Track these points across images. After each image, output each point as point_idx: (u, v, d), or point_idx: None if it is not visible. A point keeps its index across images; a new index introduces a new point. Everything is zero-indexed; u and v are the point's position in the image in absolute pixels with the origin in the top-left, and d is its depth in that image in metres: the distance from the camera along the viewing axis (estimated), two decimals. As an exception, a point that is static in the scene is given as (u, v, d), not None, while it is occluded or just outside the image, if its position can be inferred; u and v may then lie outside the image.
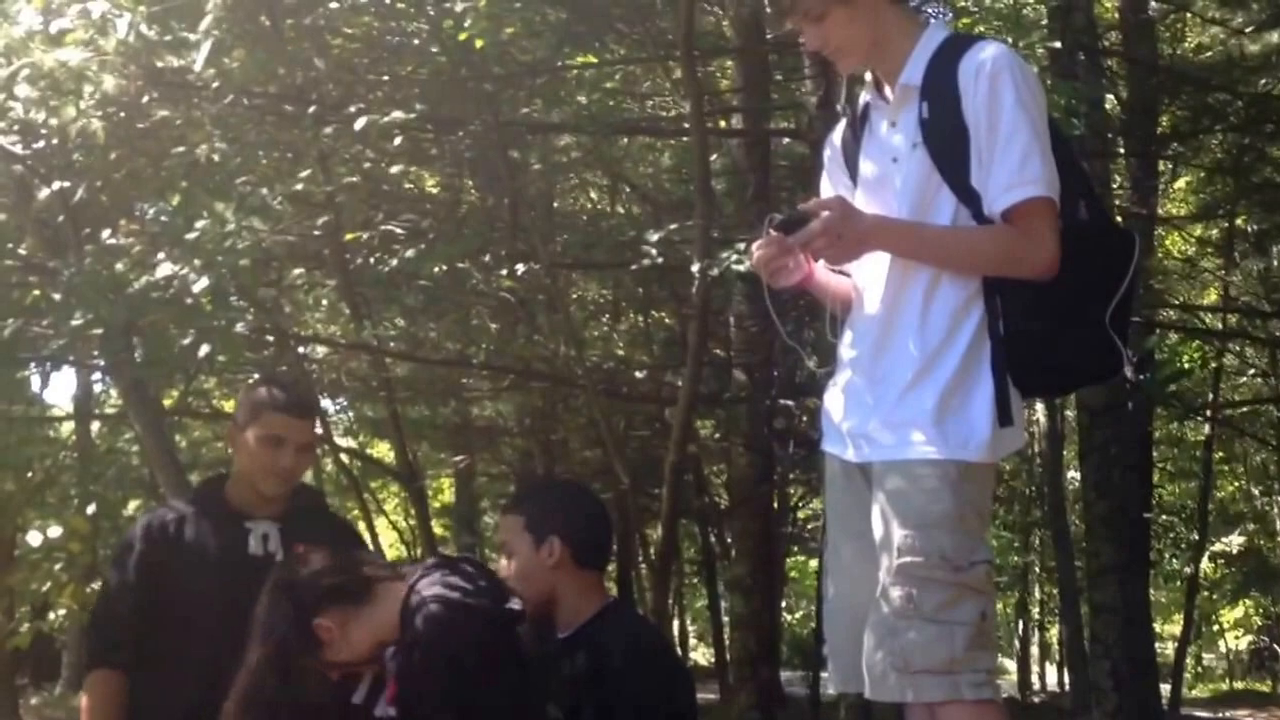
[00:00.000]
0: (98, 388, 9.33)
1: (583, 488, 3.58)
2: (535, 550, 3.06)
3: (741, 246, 5.85)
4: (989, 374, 2.75)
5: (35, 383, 5.92)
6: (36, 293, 4.92)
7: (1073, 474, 19.15)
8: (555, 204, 10.70)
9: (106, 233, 4.81)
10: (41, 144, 4.93)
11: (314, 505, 3.62)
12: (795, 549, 18.35)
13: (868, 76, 2.99)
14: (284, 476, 3.35)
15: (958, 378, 2.74)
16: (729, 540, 11.93)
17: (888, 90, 2.91)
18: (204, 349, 4.57)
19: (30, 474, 6.27)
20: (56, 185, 4.87)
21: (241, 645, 3.14)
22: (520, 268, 6.93)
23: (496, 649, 2.74)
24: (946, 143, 2.78)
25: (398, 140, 6.41)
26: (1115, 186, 11.49)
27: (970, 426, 2.73)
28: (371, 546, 15.03)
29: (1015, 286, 2.75)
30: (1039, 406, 16.08)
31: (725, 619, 12.80)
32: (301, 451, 3.38)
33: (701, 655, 22.56)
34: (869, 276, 2.91)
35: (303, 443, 3.37)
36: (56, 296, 4.41)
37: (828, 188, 3.08)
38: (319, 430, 3.53)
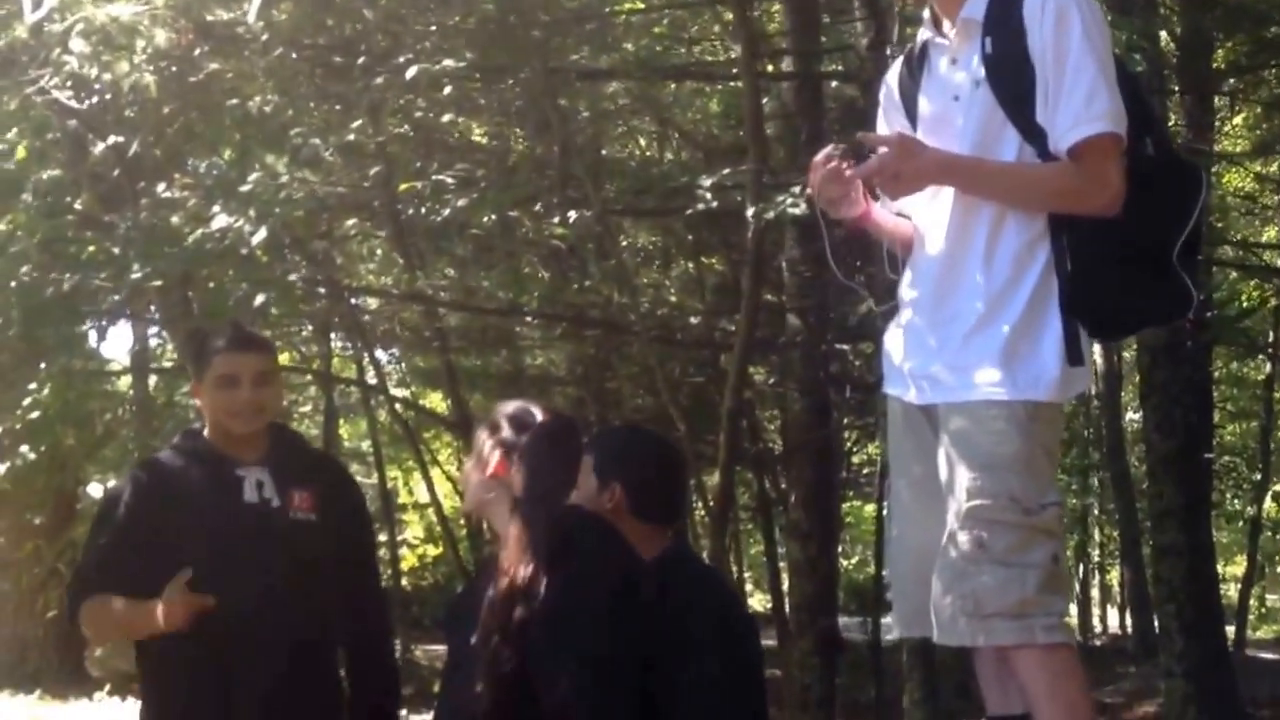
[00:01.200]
0: (154, 342, 9.39)
1: (662, 441, 3.49)
2: (598, 493, 3.04)
3: (795, 190, 5.79)
4: (1057, 313, 2.70)
5: (93, 338, 5.96)
6: (93, 248, 4.93)
7: (1131, 415, 18.98)
8: (604, 151, 10.64)
9: (161, 186, 4.82)
10: (95, 99, 4.93)
11: (299, 447, 3.56)
12: (851, 495, 18.30)
13: (925, 14, 2.93)
14: (248, 412, 3.27)
15: (1026, 317, 2.70)
16: (784, 486, 11.90)
17: (947, 26, 2.84)
18: (259, 299, 4.57)
19: (90, 428, 6.32)
20: (111, 140, 4.88)
21: (249, 592, 3.15)
22: (571, 215, 6.90)
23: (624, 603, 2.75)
24: (1011, 78, 2.72)
25: (447, 89, 6.38)
26: (1171, 124, 11.29)
27: (1040, 366, 2.68)
28: (428, 497, 15.15)
29: (1082, 225, 2.70)
30: (1096, 347, 15.92)
31: (782, 565, 12.80)
32: (259, 384, 3.28)
33: (758, 602, 22.59)
34: (931, 216, 2.87)
35: (257, 374, 3.28)
36: (115, 250, 4.42)
37: (885, 130, 3.02)
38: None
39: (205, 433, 3.38)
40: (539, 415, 2.89)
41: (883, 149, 2.72)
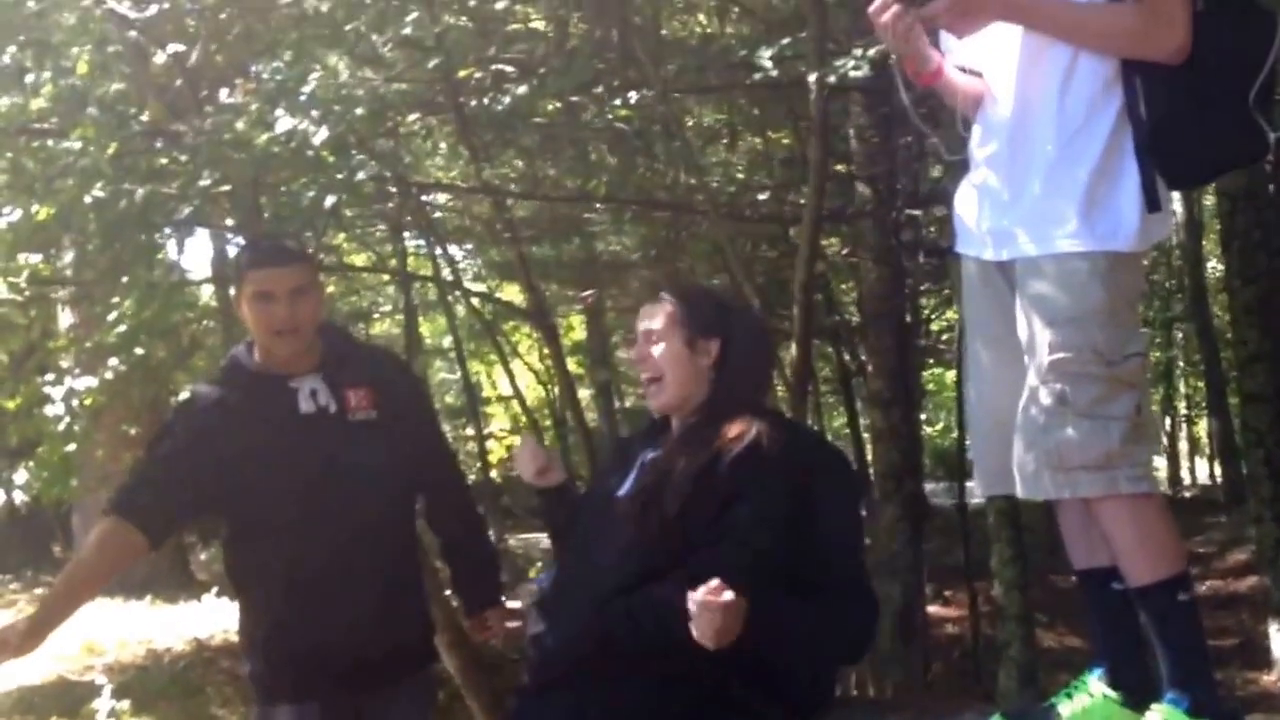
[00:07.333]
0: (231, 251, 9.48)
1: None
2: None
3: (858, 53, 5.69)
4: (1133, 159, 2.65)
5: (172, 250, 6.00)
6: (164, 161, 4.97)
7: (1213, 264, 18.66)
8: (664, 31, 10.50)
9: (224, 92, 4.83)
10: (154, 10, 4.94)
11: (349, 346, 3.52)
12: (931, 362, 18.23)
13: None
14: (287, 330, 3.24)
15: (1102, 165, 2.65)
16: (863, 357, 11.88)
17: None
18: (329, 199, 4.58)
19: (177, 339, 6.42)
20: (172, 49, 4.89)
21: (323, 504, 3.20)
22: (633, 95, 6.83)
23: None
24: (1078, -84, 2.65)
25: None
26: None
27: (1118, 215, 2.64)
28: (511, 390, 15.28)
29: (1155, 69, 2.64)
30: (1176, 196, 15.62)
31: (865, 436, 12.82)
32: (296, 298, 3.23)
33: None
34: (999, 69, 2.82)
35: (292, 288, 3.22)
36: (183, 159, 4.45)
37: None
38: (313, 274, 3.37)
39: (254, 349, 3.36)
40: (729, 302, 2.98)
41: None
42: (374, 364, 3.50)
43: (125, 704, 8.09)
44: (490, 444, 18.60)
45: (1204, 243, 18.42)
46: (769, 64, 6.06)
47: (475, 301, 12.29)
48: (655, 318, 2.94)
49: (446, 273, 11.23)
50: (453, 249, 12.41)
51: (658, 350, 2.92)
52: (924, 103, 3.27)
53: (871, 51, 5.50)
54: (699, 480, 2.68)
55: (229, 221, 6.22)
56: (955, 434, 14.43)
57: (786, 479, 2.67)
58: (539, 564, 12.67)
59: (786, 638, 2.63)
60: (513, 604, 3.82)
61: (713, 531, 2.64)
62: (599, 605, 2.67)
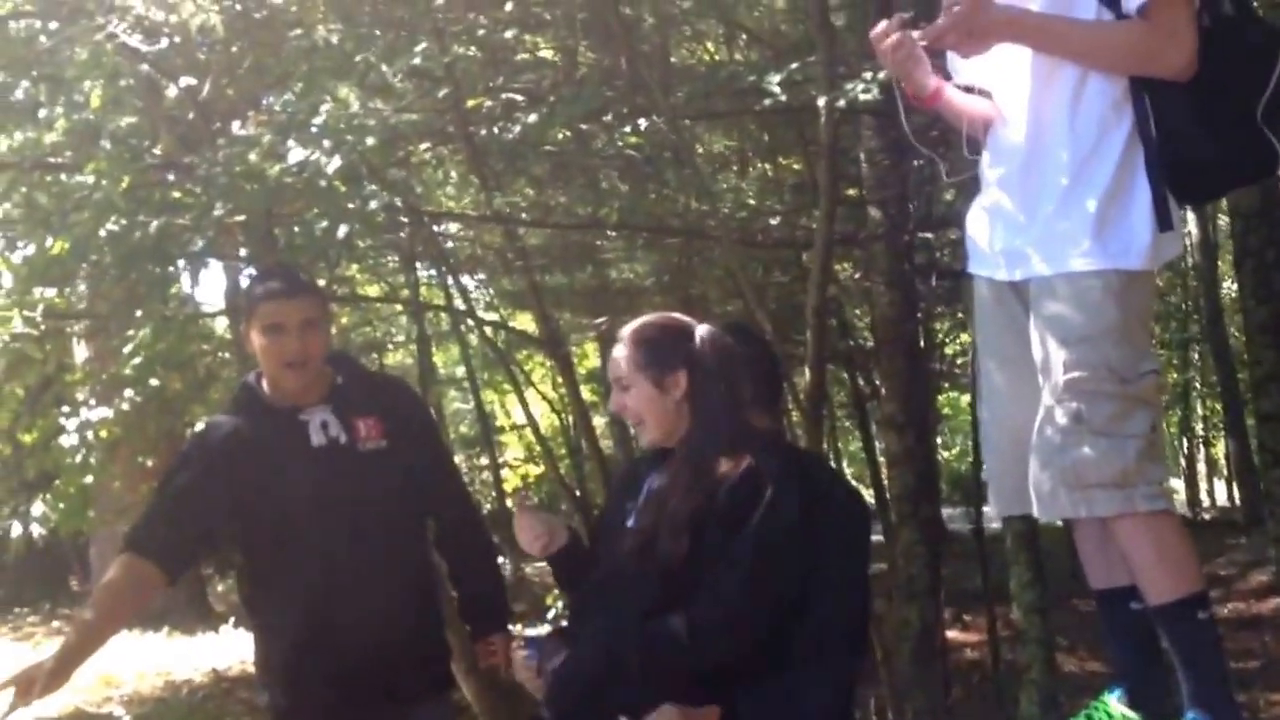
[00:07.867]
0: (245, 282, 9.53)
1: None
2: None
3: (866, 76, 5.70)
4: (1144, 177, 2.66)
5: (186, 282, 6.03)
6: (177, 194, 5.00)
7: (1229, 285, 18.62)
8: (672, 59, 10.53)
9: (236, 124, 4.87)
10: (165, 43, 4.98)
11: (357, 374, 3.51)
12: (947, 386, 18.19)
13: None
14: (297, 362, 3.24)
15: (1114, 184, 2.66)
16: (877, 381, 11.86)
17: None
18: (342, 230, 4.60)
19: (193, 371, 6.44)
20: (184, 82, 4.93)
21: (333, 529, 3.21)
22: (643, 122, 6.85)
23: None
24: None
25: (509, 5, 6.34)
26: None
27: (1130, 233, 2.65)
28: (525, 419, 15.29)
29: (1163, 87, 2.64)
30: (1190, 217, 15.59)
31: (881, 460, 12.79)
32: (306, 330, 3.24)
33: (859, 497, 22.59)
34: (1010, 91, 2.82)
35: (303, 320, 3.24)
36: (196, 190, 4.48)
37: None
38: (323, 306, 3.36)
39: (263, 381, 3.37)
40: (694, 325, 2.94)
41: (955, 7, 2.68)
42: (383, 393, 3.51)
43: (143, 736, 8.10)
44: (505, 473, 18.60)
45: (1219, 263, 18.39)
46: (778, 89, 6.07)
47: (488, 331, 12.29)
48: (620, 366, 2.93)
49: (459, 302, 11.25)
50: (465, 278, 12.45)
51: (630, 397, 2.92)
52: (935, 124, 3.26)
53: (881, 75, 5.51)
54: (696, 517, 2.66)
55: (243, 253, 6.25)
56: (972, 458, 14.40)
57: (784, 508, 2.65)
58: (556, 593, 12.64)
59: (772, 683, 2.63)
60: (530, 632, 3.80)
61: (715, 560, 2.63)
62: (612, 633, 2.66)
